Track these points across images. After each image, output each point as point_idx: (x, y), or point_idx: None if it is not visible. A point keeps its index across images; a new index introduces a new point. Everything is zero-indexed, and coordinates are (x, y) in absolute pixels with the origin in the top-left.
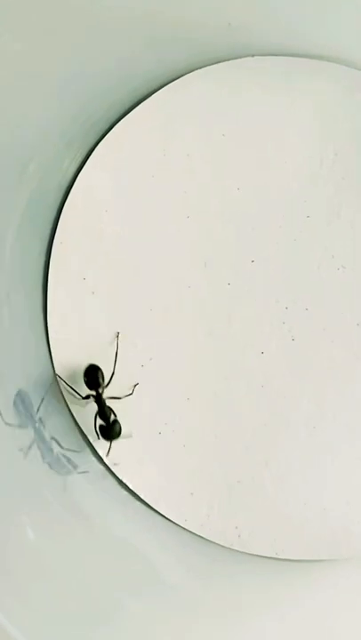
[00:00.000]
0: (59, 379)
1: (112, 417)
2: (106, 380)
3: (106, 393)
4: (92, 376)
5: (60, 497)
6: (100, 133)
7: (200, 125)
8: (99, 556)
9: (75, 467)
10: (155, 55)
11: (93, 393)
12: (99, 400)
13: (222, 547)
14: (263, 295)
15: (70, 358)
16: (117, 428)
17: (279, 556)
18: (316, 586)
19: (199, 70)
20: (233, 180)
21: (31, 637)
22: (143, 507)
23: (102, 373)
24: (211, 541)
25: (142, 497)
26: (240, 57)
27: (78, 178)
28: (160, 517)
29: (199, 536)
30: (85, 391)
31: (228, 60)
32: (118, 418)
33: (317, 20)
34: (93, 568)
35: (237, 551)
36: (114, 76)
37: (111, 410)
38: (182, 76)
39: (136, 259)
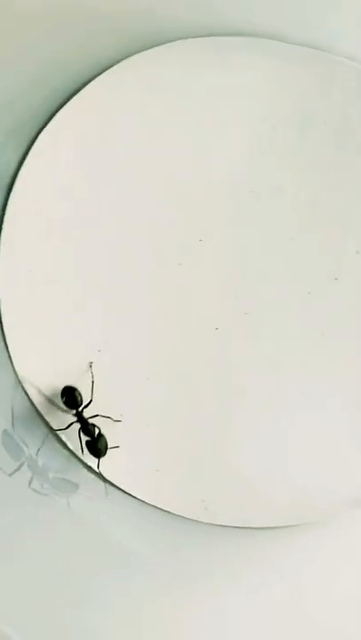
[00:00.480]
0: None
1: (96, 432)
2: (85, 400)
3: (87, 412)
4: (70, 397)
5: (24, 481)
6: (41, 123)
7: (138, 111)
8: (66, 538)
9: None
10: (88, 45)
11: (73, 412)
12: (80, 418)
13: (190, 520)
14: (213, 272)
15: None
16: (104, 443)
17: (247, 525)
18: (284, 552)
19: (132, 57)
20: (174, 161)
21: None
22: (110, 487)
23: (79, 393)
24: (178, 515)
25: (109, 478)
26: (172, 40)
27: (21, 169)
28: (126, 496)
29: (167, 511)
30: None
31: (159, 45)
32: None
33: None
34: (60, 550)
35: (205, 523)
36: (50, 66)
37: (94, 426)
38: (116, 63)
39: (84, 246)
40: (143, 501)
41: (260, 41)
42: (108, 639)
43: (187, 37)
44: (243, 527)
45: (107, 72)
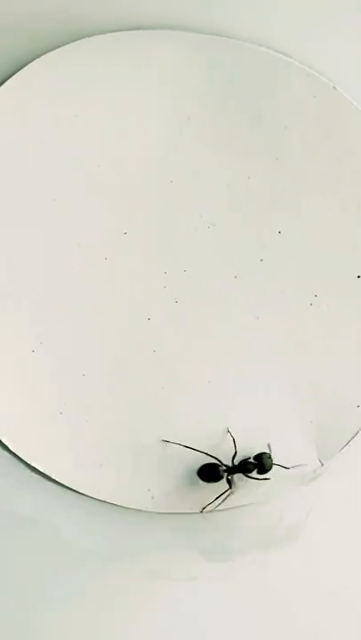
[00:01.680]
0: None
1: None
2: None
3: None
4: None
5: None
6: None
7: (52, 109)
8: (11, 537)
9: None
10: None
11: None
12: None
13: (138, 510)
14: (141, 264)
15: None
16: (269, 462)
17: (193, 511)
18: (233, 533)
19: (43, 56)
20: (92, 157)
21: None
22: (55, 485)
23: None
24: (126, 507)
25: (53, 477)
26: (81, 38)
27: None
28: (72, 492)
29: (113, 504)
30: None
31: (68, 43)
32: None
33: None
34: (7, 550)
35: (153, 512)
36: None
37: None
38: (28, 63)
39: (8, 245)
40: (89, 497)
41: (166, 32)
42: (61, 638)
43: (94, 34)
44: (190, 513)
45: (16, 74)
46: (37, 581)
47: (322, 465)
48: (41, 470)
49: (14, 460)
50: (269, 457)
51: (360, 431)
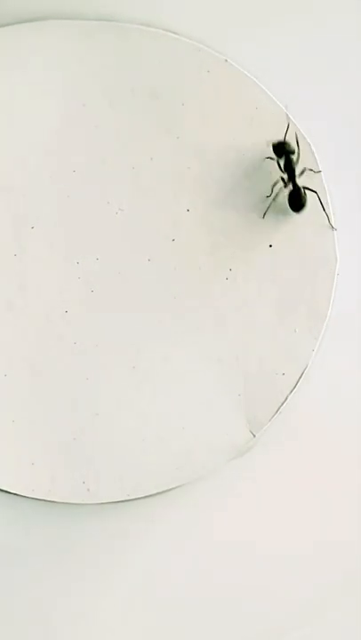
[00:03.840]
0: None
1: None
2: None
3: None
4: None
5: None
6: None
7: None
8: None
9: None
10: None
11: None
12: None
13: (75, 504)
14: (51, 257)
15: None
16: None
17: (131, 497)
18: (173, 515)
19: None
20: None
21: None
22: None
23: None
24: (63, 502)
25: None
26: None
27: None
28: (6, 494)
29: (50, 501)
30: None
31: None
32: None
33: None
34: None
35: (90, 504)
36: None
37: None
38: None
39: None
40: (25, 496)
41: (50, 23)
42: None
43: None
44: (127, 500)
45: None
46: None
47: (254, 436)
48: None
49: None
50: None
51: (287, 399)
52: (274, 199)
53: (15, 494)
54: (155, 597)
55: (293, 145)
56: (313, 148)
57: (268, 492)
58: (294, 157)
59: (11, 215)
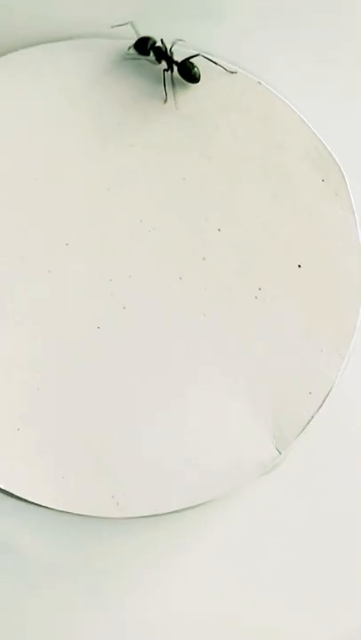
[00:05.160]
0: None
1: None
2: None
3: None
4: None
5: None
6: None
7: None
8: None
9: None
10: None
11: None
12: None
13: (104, 518)
14: (85, 273)
15: None
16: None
17: (159, 512)
18: (199, 531)
19: None
20: (28, 171)
21: None
22: (18, 501)
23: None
24: (91, 516)
25: (15, 493)
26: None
27: None
28: (37, 507)
29: (79, 515)
30: None
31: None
32: None
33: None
34: None
35: (120, 518)
36: None
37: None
38: None
39: None
40: (54, 509)
41: (92, 41)
42: None
43: (18, 48)
44: (156, 515)
45: None
46: (6, 599)
47: (280, 454)
48: (2, 487)
49: None
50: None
51: (313, 417)
52: (172, 86)
53: (45, 507)
54: (181, 612)
55: (153, 37)
56: (343, 171)
57: (294, 510)
58: (160, 44)
59: (45, 232)
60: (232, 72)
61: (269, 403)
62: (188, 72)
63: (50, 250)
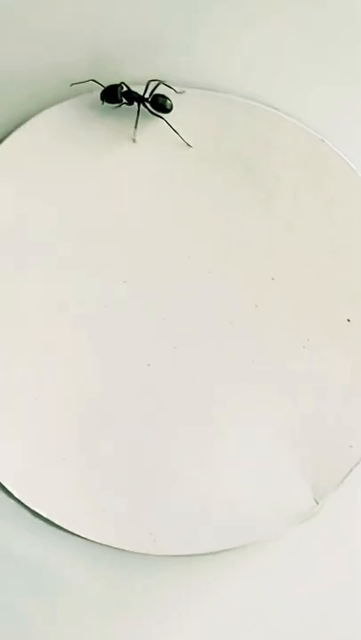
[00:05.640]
0: None
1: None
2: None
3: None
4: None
5: None
6: None
7: (51, 163)
8: (19, 585)
9: None
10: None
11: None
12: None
13: (140, 554)
14: (140, 310)
15: None
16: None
17: (195, 553)
18: (235, 573)
19: (44, 112)
20: (92, 210)
21: None
22: (59, 531)
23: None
24: (128, 551)
25: (57, 523)
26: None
27: None
28: (75, 537)
29: (116, 548)
30: None
31: (69, 99)
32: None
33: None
34: (13, 596)
35: (156, 555)
36: None
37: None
38: (29, 119)
39: (10, 298)
40: (92, 541)
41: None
42: None
43: (93, 91)
44: (192, 555)
45: (20, 127)
46: (41, 626)
47: (317, 504)
48: (45, 516)
49: (19, 506)
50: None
51: (353, 470)
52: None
53: (84, 538)
54: None
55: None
56: None
57: (328, 559)
58: (128, 88)
59: (105, 269)
60: (180, 92)
61: (310, 453)
62: (162, 105)
63: (108, 286)
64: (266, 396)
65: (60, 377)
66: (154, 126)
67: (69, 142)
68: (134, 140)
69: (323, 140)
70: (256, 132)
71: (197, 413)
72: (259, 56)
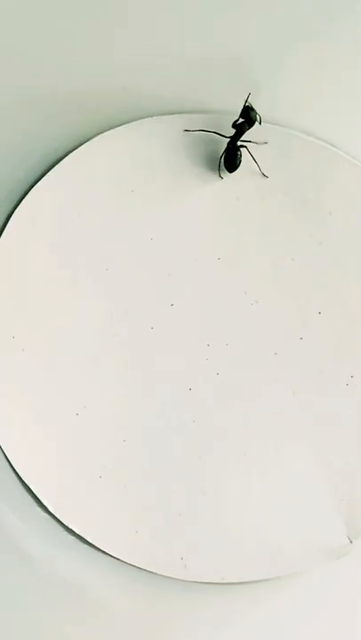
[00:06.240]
0: None
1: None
2: None
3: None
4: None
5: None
6: (15, 200)
7: (110, 183)
8: (49, 599)
9: None
10: (59, 125)
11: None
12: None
13: (170, 578)
14: (185, 335)
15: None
16: (253, 113)
17: (225, 581)
18: (261, 605)
19: (105, 133)
20: (146, 231)
21: None
22: (90, 548)
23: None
24: (158, 574)
25: (89, 540)
26: (140, 118)
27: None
28: (107, 556)
29: (146, 570)
30: None
31: (129, 122)
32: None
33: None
34: (42, 610)
35: (186, 580)
36: (28, 143)
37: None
38: (87, 141)
39: (61, 313)
40: (123, 561)
41: (220, 117)
42: None
43: (153, 115)
44: (222, 583)
45: (76, 151)
46: (64, 634)
47: (351, 542)
48: (77, 532)
49: (52, 521)
50: (252, 109)
51: None
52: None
53: (115, 557)
54: None
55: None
56: None
57: (353, 602)
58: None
59: (154, 290)
60: (263, 143)
61: (348, 490)
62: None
63: (155, 308)
64: (306, 428)
65: (103, 394)
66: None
67: (128, 162)
68: (221, 177)
69: None
70: (312, 167)
71: (236, 441)
72: (318, 91)
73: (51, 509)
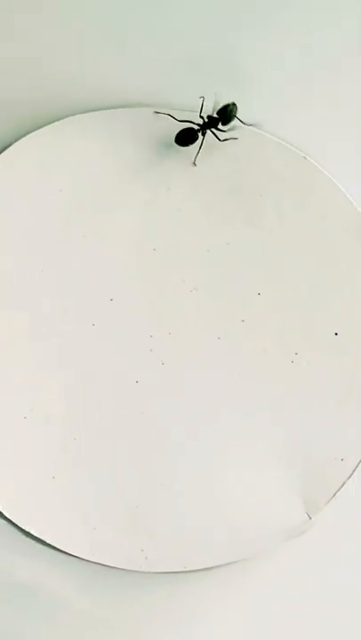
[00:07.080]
0: None
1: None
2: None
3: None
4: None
5: None
6: None
7: (38, 184)
8: (11, 605)
9: None
10: None
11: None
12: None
13: (132, 571)
14: (127, 328)
15: None
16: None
17: (187, 569)
18: (224, 589)
19: (31, 134)
20: (78, 229)
21: None
22: (49, 549)
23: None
24: (120, 568)
25: (47, 541)
26: (63, 117)
27: None
28: (67, 555)
29: (107, 566)
30: None
31: (53, 122)
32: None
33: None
34: (5, 617)
35: (148, 572)
36: None
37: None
38: (16, 141)
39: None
40: (84, 559)
41: (142, 110)
42: None
43: (75, 114)
44: (184, 571)
45: (6, 149)
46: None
47: (310, 518)
48: (35, 535)
49: (9, 525)
50: (232, 107)
51: (345, 484)
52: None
53: (75, 556)
54: None
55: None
56: None
57: (320, 575)
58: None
59: (91, 287)
60: (250, 125)
61: (301, 467)
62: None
63: (95, 304)
64: (255, 410)
65: (50, 395)
66: None
67: (56, 162)
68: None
69: (305, 158)
70: (241, 151)
71: (188, 428)
72: (242, 74)
73: (6, 514)
